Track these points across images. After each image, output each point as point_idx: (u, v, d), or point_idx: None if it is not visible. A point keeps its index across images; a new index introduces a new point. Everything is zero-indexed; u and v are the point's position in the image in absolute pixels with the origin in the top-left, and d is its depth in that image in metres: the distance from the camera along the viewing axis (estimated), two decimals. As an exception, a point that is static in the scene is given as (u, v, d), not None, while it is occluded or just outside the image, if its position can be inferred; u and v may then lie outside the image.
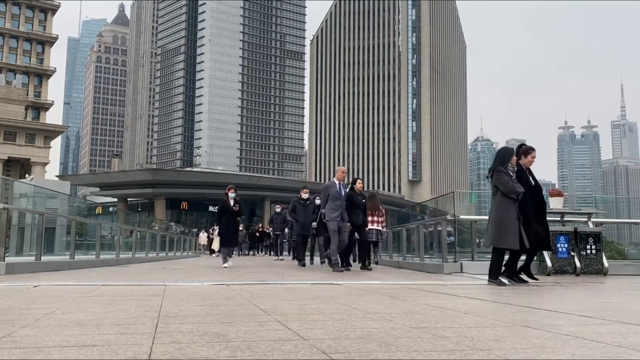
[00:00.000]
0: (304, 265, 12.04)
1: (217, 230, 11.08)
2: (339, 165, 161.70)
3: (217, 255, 26.16)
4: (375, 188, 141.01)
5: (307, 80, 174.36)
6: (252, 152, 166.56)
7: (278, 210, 18.75)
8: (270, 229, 25.54)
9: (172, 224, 31.71)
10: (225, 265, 11.33)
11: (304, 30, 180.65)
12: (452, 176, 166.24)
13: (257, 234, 29.31)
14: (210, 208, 70.93)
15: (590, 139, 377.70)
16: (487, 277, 6.84)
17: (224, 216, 11.56)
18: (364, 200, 10.74)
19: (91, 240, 16.90)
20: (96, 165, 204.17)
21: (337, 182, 10.06)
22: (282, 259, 17.16)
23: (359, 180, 10.80)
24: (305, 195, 12.69)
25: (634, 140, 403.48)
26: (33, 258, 9.93)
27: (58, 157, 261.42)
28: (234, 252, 27.91)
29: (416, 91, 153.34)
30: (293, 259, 16.68)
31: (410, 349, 2.35)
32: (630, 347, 2.43)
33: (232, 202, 11.65)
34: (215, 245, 11.32)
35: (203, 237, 32.19)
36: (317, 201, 13.20)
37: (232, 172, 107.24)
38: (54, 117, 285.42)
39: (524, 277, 7.06)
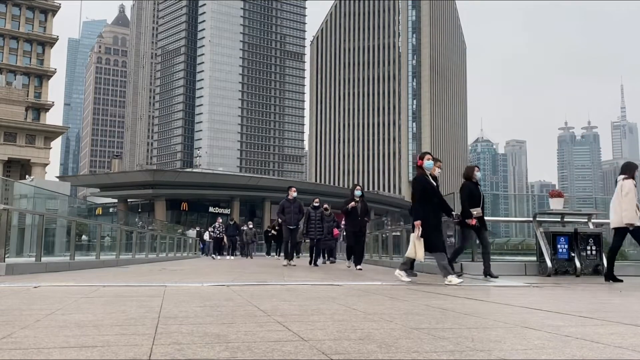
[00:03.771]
0: (454, 273, 7.37)
1: (420, 230, 6.89)
2: (339, 166, 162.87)
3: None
4: (375, 189, 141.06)
5: (307, 81, 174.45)
6: (252, 152, 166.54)
7: (294, 195, 13.59)
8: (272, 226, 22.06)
9: (140, 221, 26.77)
10: (459, 279, 6.85)
11: (304, 31, 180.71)
12: (452, 177, 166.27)
13: (275, 231, 22.92)
14: (211, 209, 70.98)
15: (591, 140, 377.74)
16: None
17: (428, 204, 7.14)
18: None
19: (91, 241, 16.92)
20: (96, 166, 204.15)
21: None
22: (294, 264, 13.21)
23: None
24: (437, 171, 7.75)
25: (634, 141, 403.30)
26: (33, 259, 9.93)
27: (58, 158, 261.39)
28: (235, 254, 26.24)
29: (416, 92, 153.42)
30: (312, 262, 13.78)
31: (411, 349, 2.35)
32: (631, 348, 2.43)
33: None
34: (420, 253, 6.86)
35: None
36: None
37: (232, 173, 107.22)
38: (54, 118, 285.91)
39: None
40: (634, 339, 2.70)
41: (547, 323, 3.22)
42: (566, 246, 8.78)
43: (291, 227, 13.35)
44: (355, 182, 11.57)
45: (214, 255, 24.51)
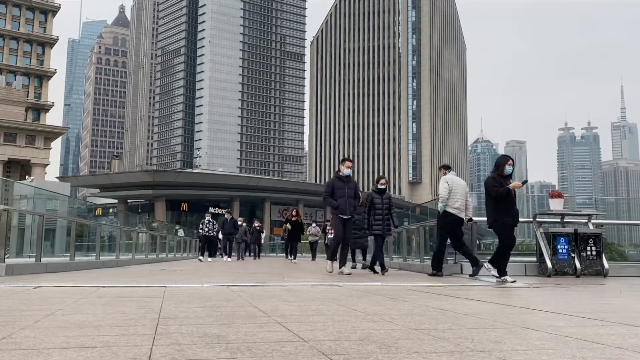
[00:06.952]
0: None
1: None
2: (339, 166, 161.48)
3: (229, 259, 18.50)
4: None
5: (307, 82, 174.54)
6: (252, 153, 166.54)
7: (347, 172, 9.51)
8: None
9: (115, 218, 24.36)
10: None
11: (304, 31, 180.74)
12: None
13: (290, 224, 19.15)
14: (211, 209, 71.03)
15: (590, 141, 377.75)
16: (487, 278, 6.85)
17: None
18: None
19: (91, 241, 16.91)
20: (96, 167, 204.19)
21: None
22: (348, 272, 9.14)
23: None
24: None
25: (634, 142, 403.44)
26: (33, 259, 9.93)
27: (58, 158, 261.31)
28: (232, 255, 22.43)
29: (416, 92, 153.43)
30: (371, 267, 10.29)
31: (411, 350, 2.35)
32: (631, 349, 2.43)
33: None
34: None
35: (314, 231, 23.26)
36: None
37: (232, 174, 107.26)
38: (54, 118, 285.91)
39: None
40: (634, 339, 2.70)
41: (547, 324, 3.22)
42: (566, 247, 8.78)
43: (345, 217, 9.11)
44: (504, 153, 8.19)
45: (201, 258, 19.74)
